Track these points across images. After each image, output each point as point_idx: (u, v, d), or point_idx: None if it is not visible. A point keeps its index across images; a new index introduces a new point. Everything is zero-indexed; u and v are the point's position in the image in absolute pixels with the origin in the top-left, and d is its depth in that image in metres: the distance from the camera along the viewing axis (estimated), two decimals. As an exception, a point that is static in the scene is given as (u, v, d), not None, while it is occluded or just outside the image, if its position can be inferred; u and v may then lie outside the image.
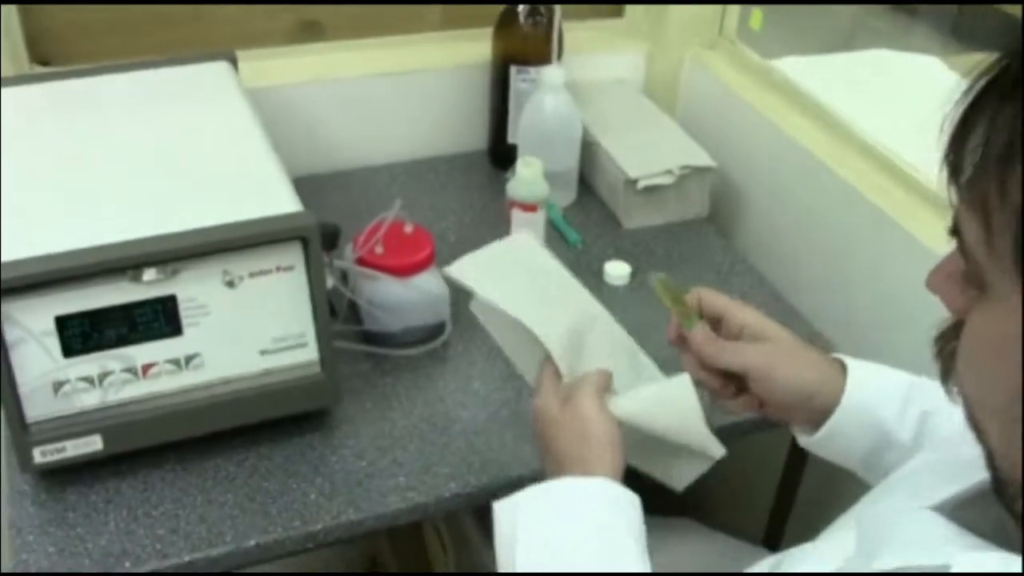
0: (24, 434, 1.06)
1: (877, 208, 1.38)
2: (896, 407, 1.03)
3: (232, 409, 1.13)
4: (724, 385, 1.05)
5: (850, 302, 1.44)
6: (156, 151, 1.19)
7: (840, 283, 1.46)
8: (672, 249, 1.54)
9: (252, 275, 1.09)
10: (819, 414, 1.02)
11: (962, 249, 0.63)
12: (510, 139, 1.62)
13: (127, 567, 1.04)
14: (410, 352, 1.29)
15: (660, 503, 1.09)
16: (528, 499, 0.93)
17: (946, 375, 0.68)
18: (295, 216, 1.09)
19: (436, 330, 1.31)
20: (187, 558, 1.05)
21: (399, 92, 1.65)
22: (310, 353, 1.14)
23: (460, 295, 1.30)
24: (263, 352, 1.12)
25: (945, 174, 0.64)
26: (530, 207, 1.30)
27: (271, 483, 1.13)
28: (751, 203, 1.62)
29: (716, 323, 1.07)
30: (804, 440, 1.06)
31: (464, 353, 1.32)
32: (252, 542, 1.07)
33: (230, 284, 1.08)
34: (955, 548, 0.67)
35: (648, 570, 0.90)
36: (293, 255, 1.09)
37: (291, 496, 1.12)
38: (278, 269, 1.10)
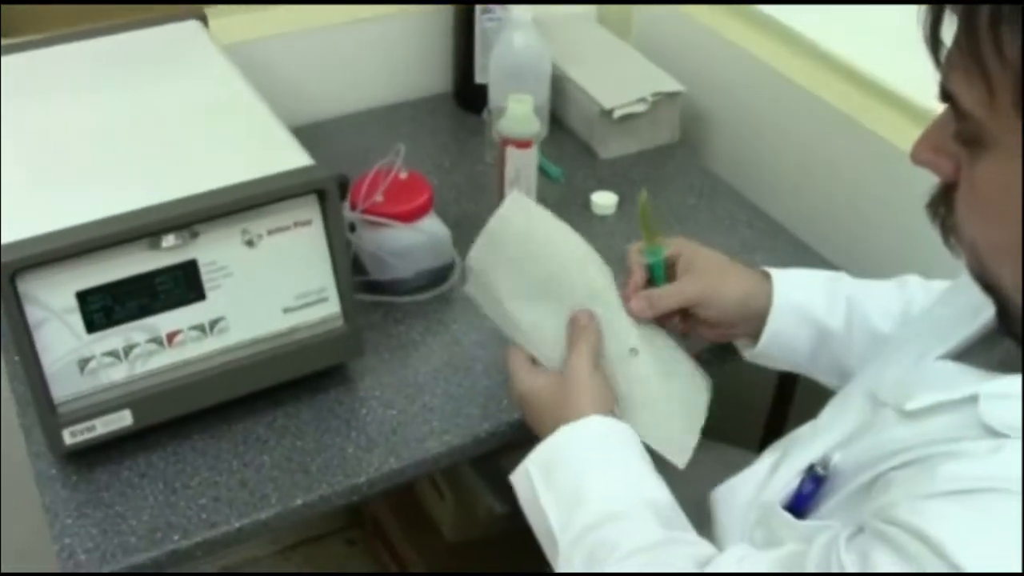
0: (53, 416, 1.02)
1: (841, 113, 1.41)
2: (823, 299, 1.10)
3: (260, 370, 1.11)
4: (679, 320, 1.11)
5: (827, 207, 1.46)
6: (151, 116, 1.15)
7: (814, 190, 1.49)
8: (651, 175, 1.54)
9: (271, 233, 1.07)
10: (758, 323, 1.09)
11: (958, 112, 0.68)
12: (477, 79, 1.60)
13: (176, 540, 1.02)
14: (420, 298, 1.28)
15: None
16: (535, 461, 0.98)
17: (946, 235, 0.75)
18: (311, 169, 1.06)
19: (442, 272, 1.30)
20: (236, 524, 1.04)
21: (360, 40, 1.62)
22: (332, 307, 1.12)
23: (462, 236, 1.29)
24: (286, 310, 1.10)
25: (928, 42, 0.69)
26: (524, 143, 1.29)
27: (305, 441, 1.12)
28: (717, 123, 1.64)
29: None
30: (750, 353, 1.13)
31: (470, 295, 1.31)
32: (298, 501, 1.06)
33: (249, 244, 1.06)
34: (976, 381, 0.73)
35: (663, 486, 0.95)
36: (310, 209, 1.07)
37: (329, 452, 1.11)
38: (296, 224, 1.08)
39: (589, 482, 0.94)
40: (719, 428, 1.46)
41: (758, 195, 1.51)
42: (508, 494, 1.68)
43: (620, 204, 1.46)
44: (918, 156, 0.74)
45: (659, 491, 0.95)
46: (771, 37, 1.54)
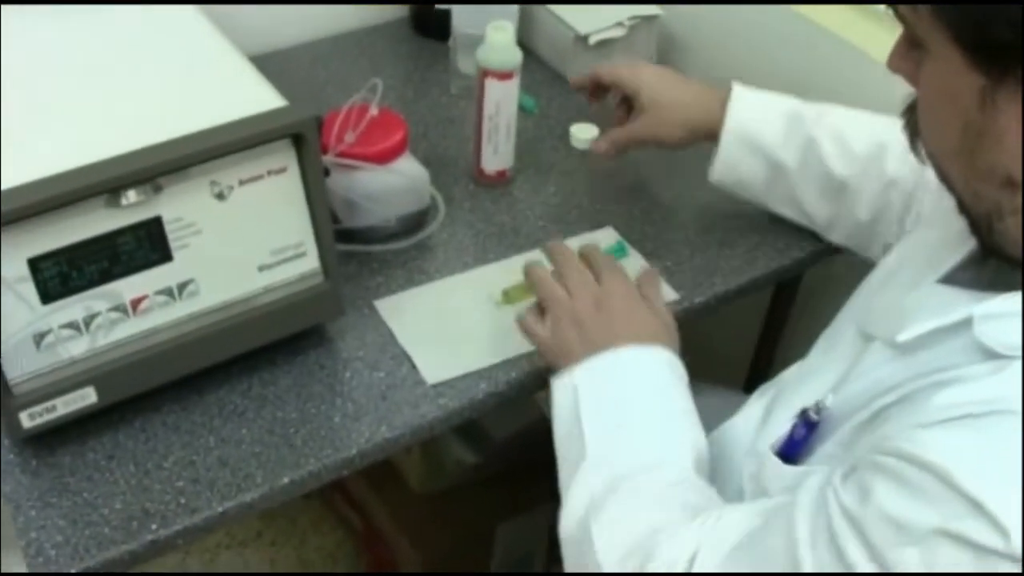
0: (8, 398, 0.91)
1: (829, 34, 1.33)
2: (778, 133, 1.13)
3: (233, 335, 1.00)
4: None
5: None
6: (101, 58, 1.02)
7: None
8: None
9: (243, 183, 0.96)
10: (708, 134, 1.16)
11: (897, 15, 0.71)
12: (437, 4, 1.49)
13: (155, 529, 0.92)
14: (398, 245, 1.18)
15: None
16: (586, 368, 0.94)
17: (913, 141, 0.77)
18: (286, 111, 0.96)
19: (420, 217, 1.20)
20: (219, 508, 0.94)
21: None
22: (311, 262, 1.02)
23: (433, 175, 1.20)
24: (261, 268, 1.00)
25: None
26: (505, 75, 1.19)
27: (286, 412, 1.02)
28: (695, 49, 1.54)
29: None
30: (712, 176, 1.19)
31: (451, 239, 1.21)
32: (285, 479, 0.97)
33: (219, 196, 0.95)
34: (969, 303, 0.72)
35: (700, 430, 0.93)
36: (286, 156, 0.97)
37: (314, 423, 1.01)
38: (270, 173, 0.97)
39: (635, 419, 0.92)
40: (706, 370, 1.40)
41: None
42: (478, 444, 1.63)
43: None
44: (890, 63, 0.76)
45: (699, 434, 0.93)
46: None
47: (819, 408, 0.82)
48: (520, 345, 1.07)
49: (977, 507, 0.59)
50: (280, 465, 0.97)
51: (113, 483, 0.96)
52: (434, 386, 1.04)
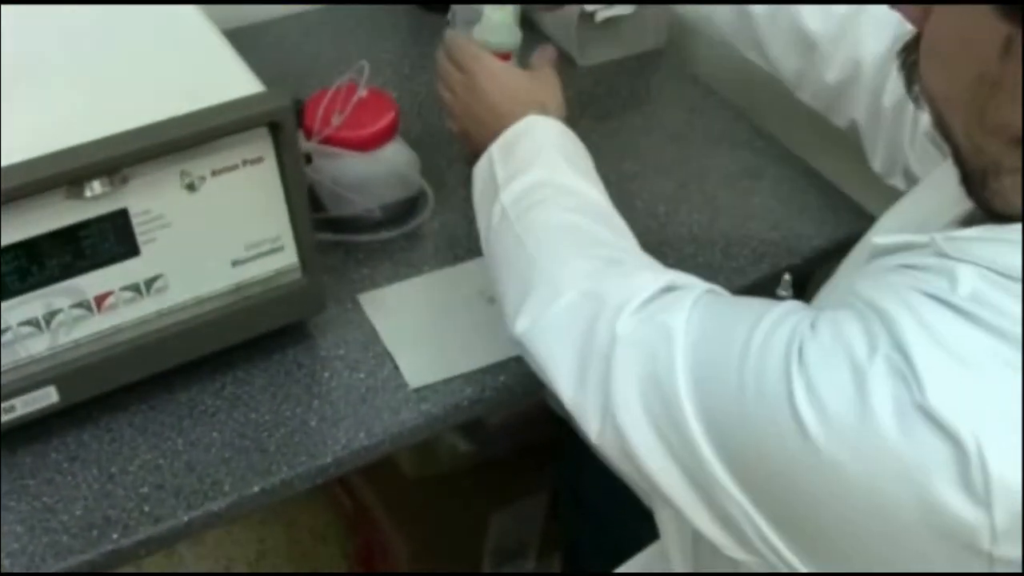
0: (-37, 397, 0.86)
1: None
2: None
3: (205, 334, 0.95)
4: None
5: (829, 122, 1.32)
6: (72, 37, 0.97)
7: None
8: (636, 86, 1.39)
9: (215, 174, 0.90)
10: None
11: None
12: (438, -26, 1.42)
13: (116, 539, 0.87)
14: (385, 235, 1.12)
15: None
16: (499, 143, 0.95)
17: (910, 83, 0.72)
18: (262, 98, 0.90)
19: (409, 205, 1.14)
20: (185, 517, 0.89)
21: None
22: (288, 257, 0.97)
23: (425, 157, 1.14)
24: (235, 263, 0.95)
25: None
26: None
27: (260, 413, 0.97)
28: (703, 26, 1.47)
29: None
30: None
31: (442, 229, 1.16)
32: (255, 488, 0.92)
33: (190, 187, 0.89)
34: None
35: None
36: (262, 144, 0.91)
37: (288, 426, 0.96)
38: (245, 163, 0.91)
39: (545, 156, 0.93)
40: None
41: (753, 107, 1.36)
42: (472, 432, 1.58)
43: (602, 119, 1.30)
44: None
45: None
46: None
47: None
48: (509, 348, 1.01)
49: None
50: (250, 472, 0.92)
51: (75, 487, 0.91)
52: (416, 390, 0.99)
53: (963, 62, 0.64)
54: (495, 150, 0.95)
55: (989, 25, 0.60)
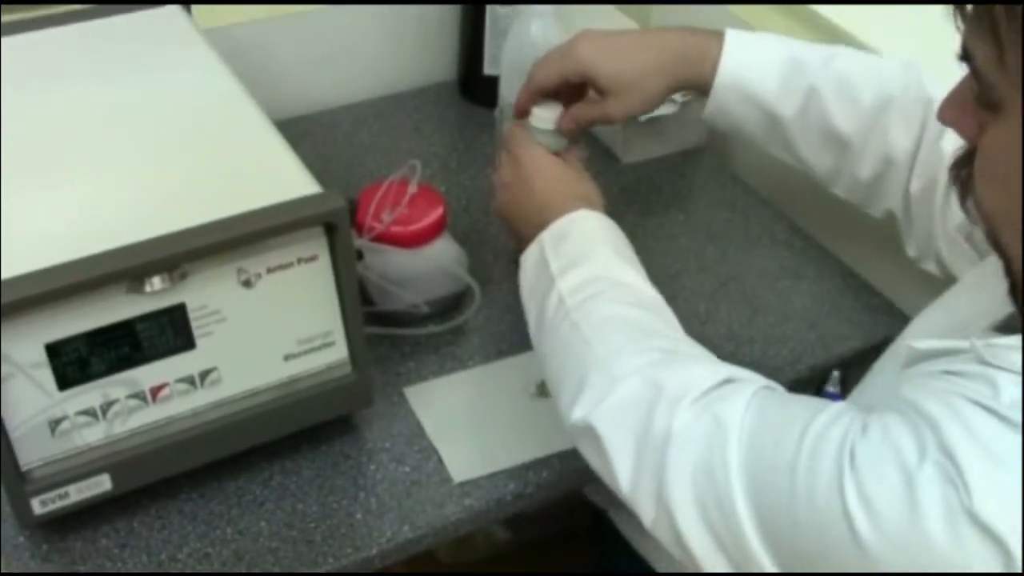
0: (20, 484, 0.88)
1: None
2: (776, 83, 1.06)
3: (256, 426, 0.97)
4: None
5: (871, 224, 1.33)
6: (131, 128, 1.00)
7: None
8: (678, 184, 1.41)
9: (271, 271, 0.93)
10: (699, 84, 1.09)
11: (974, 71, 0.66)
12: (487, 70, 1.46)
13: (163, 627, 0.89)
14: (432, 329, 1.14)
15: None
16: (550, 231, 0.97)
17: (963, 198, 0.72)
18: (319, 199, 0.92)
19: (455, 300, 1.17)
20: (231, 608, 0.90)
21: (354, 23, 1.46)
22: (339, 352, 0.99)
23: (472, 253, 1.16)
24: (287, 357, 0.97)
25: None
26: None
27: (307, 504, 0.99)
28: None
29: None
30: (703, 115, 1.12)
31: (487, 324, 1.18)
32: (302, 578, 0.93)
33: (246, 284, 0.92)
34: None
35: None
36: (316, 243, 0.94)
37: (335, 518, 0.98)
38: (300, 261, 0.94)
39: (599, 250, 0.95)
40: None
41: (792, 206, 1.38)
42: (509, 519, 1.58)
43: (644, 215, 1.33)
44: (942, 115, 0.73)
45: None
46: (806, 27, 1.40)
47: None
48: (552, 443, 1.03)
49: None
50: (297, 563, 0.94)
51: (124, 574, 0.92)
52: (460, 484, 1.00)
53: (1014, 178, 0.65)
54: (546, 240, 0.97)
55: None
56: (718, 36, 1.07)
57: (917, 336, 0.86)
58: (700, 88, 1.09)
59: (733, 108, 1.09)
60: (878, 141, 1.06)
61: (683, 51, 1.07)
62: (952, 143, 0.80)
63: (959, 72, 0.71)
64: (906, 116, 1.04)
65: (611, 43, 1.07)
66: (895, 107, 1.04)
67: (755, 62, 1.07)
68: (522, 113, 1.11)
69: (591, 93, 1.11)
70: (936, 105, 0.75)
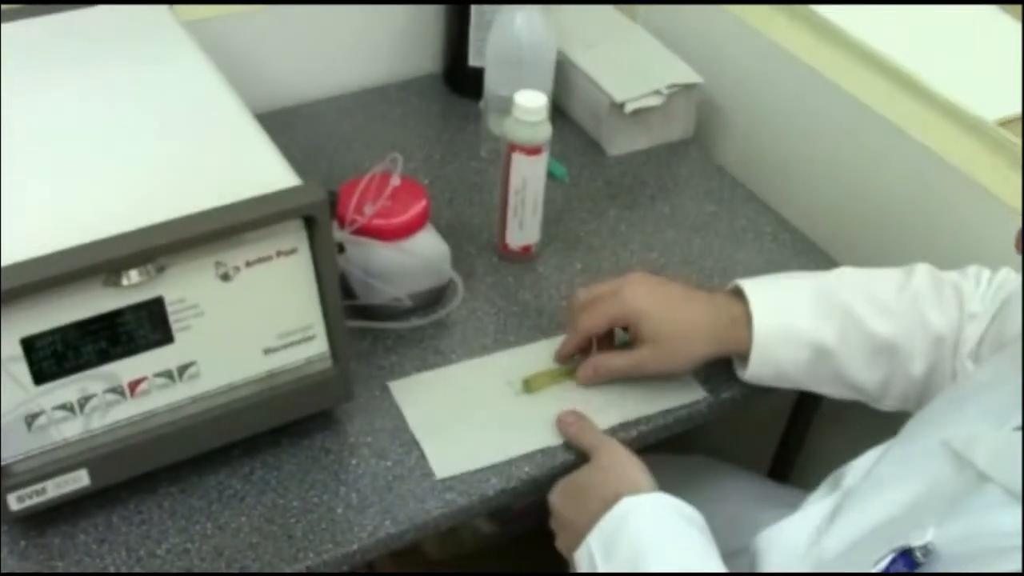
0: (-4, 479, 0.88)
1: (873, 111, 1.27)
2: (809, 317, 1.04)
3: (235, 420, 0.96)
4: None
5: (856, 215, 1.33)
6: (109, 120, 0.99)
7: (839, 194, 1.35)
8: (664, 176, 1.40)
9: (249, 264, 0.92)
10: (743, 352, 1.05)
11: None
12: (471, 62, 1.45)
13: (142, 623, 0.88)
14: (414, 323, 1.14)
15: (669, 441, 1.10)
16: (596, 535, 0.91)
17: None
18: (298, 191, 0.91)
19: (437, 294, 1.16)
20: (211, 604, 0.90)
21: (337, 15, 1.45)
22: (319, 345, 0.98)
23: (456, 246, 1.16)
24: (267, 351, 0.96)
25: None
26: (534, 150, 1.14)
27: (288, 499, 0.98)
28: (732, 118, 1.49)
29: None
30: (742, 374, 1.07)
31: (470, 318, 1.17)
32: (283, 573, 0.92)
33: (224, 277, 0.91)
34: None
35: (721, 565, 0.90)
36: (296, 236, 0.93)
37: (315, 513, 0.97)
38: (279, 254, 0.93)
39: (650, 553, 0.89)
40: (729, 453, 1.35)
41: (779, 199, 1.37)
42: (495, 513, 1.58)
43: (629, 208, 1.32)
44: None
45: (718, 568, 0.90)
46: (794, 21, 1.39)
47: (926, 551, 0.74)
48: (536, 439, 1.03)
49: None
50: (277, 558, 0.93)
51: (103, 569, 0.92)
52: (443, 480, 1.00)
53: None
54: (594, 545, 0.92)
55: None
56: (732, 291, 1.07)
57: (950, 425, 0.84)
58: (738, 351, 1.06)
59: (777, 353, 1.04)
60: (922, 332, 1.03)
61: (717, 327, 1.05)
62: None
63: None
64: (936, 293, 1.03)
65: (659, 293, 1.06)
66: (919, 291, 1.03)
67: (783, 302, 1.05)
68: (563, 360, 1.10)
69: (618, 333, 1.11)
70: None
